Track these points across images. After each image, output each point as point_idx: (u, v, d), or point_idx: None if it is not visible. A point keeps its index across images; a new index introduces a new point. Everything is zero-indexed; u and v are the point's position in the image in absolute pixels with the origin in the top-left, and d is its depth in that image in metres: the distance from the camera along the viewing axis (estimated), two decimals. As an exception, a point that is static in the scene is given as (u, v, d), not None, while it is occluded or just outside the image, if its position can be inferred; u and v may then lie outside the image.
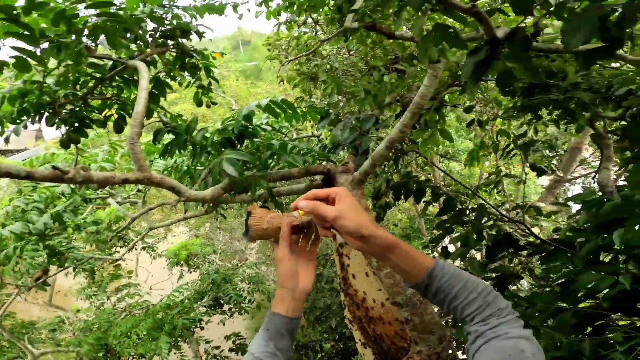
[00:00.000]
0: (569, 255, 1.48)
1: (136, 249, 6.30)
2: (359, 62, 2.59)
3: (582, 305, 1.39)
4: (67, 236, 4.04)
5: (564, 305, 1.37)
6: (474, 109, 1.88)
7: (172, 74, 1.68)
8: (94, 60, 1.45)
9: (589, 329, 1.37)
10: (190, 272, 7.42)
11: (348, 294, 1.91)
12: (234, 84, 14.67)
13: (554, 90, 1.44)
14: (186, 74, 1.74)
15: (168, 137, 1.54)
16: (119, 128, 1.64)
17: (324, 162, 2.00)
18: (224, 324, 4.77)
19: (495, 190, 2.46)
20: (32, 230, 2.44)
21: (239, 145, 1.60)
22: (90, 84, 1.52)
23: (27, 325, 6.06)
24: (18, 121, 1.54)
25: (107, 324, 4.22)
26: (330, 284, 5.80)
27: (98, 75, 1.50)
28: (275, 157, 1.62)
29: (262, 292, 5.18)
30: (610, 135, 1.70)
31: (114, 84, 1.58)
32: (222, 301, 4.54)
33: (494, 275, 1.98)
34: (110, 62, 1.47)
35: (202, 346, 4.76)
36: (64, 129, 1.58)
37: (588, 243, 1.36)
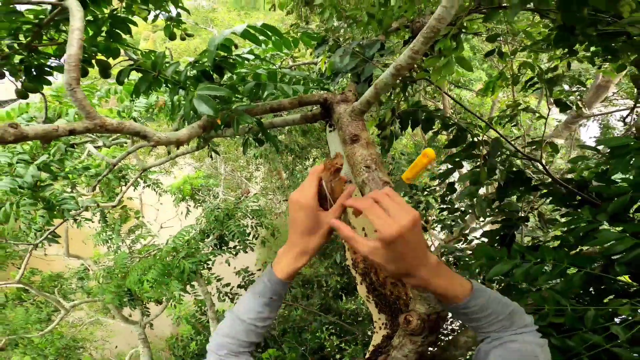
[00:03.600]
0: (593, 210, 1.34)
1: (137, 188, 6.23)
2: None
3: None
4: (66, 185, 4.00)
5: (575, 264, 1.27)
6: (498, 39, 1.64)
7: (132, 8, 1.44)
8: (31, 6, 1.25)
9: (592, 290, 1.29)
10: (196, 208, 7.51)
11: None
12: (226, 17, 13.46)
13: (600, 27, 1.19)
14: (150, 6, 1.50)
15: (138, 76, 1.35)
16: (82, 72, 1.44)
17: (321, 91, 1.79)
18: (228, 264, 4.90)
19: (510, 124, 2.27)
20: (22, 184, 2.34)
21: (220, 78, 1.41)
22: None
23: (55, 277, 6.29)
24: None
25: (124, 269, 4.32)
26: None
27: (36, 21, 1.28)
28: (260, 87, 1.44)
29: (266, 227, 5.20)
30: None
31: (64, 28, 1.36)
32: (226, 238, 4.60)
33: (499, 219, 1.89)
34: (49, 6, 1.25)
35: (214, 284, 4.95)
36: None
37: (618, 197, 1.20)
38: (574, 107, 1.76)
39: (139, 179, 4.67)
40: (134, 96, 1.34)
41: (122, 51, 1.44)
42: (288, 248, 0.77)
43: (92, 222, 4.94)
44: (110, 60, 1.43)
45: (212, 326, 4.71)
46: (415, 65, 1.83)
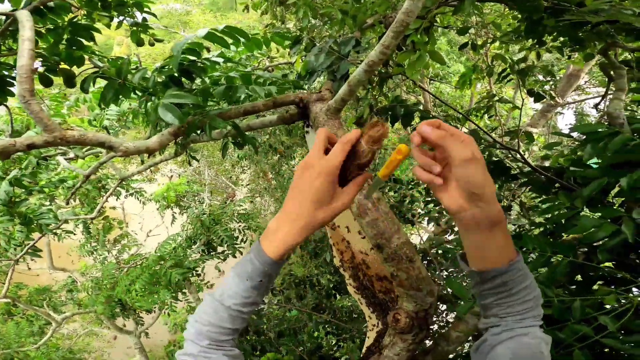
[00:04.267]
0: (571, 196, 1.34)
1: (119, 197, 6.10)
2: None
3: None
4: (43, 198, 3.88)
5: (557, 251, 1.27)
6: (468, 32, 1.65)
7: (92, 15, 1.39)
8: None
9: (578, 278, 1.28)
10: (182, 214, 7.38)
11: (332, 238, 1.85)
12: (200, 19, 13.15)
13: (566, 15, 1.21)
14: (113, 12, 1.46)
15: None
16: (46, 82, 1.39)
17: (296, 91, 1.78)
18: (219, 270, 4.85)
19: (487, 115, 2.30)
20: (-4, 201, 2.26)
21: (190, 83, 1.38)
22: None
23: (42, 290, 6.16)
24: None
25: (112, 279, 4.22)
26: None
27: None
28: (232, 90, 1.40)
29: (253, 229, 5.10)
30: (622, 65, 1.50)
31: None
32: (214, 244, 4.51)
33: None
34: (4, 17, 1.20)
35: (205, 290, 4.90)
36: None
37: (593, 182, 1.19)
38: (547, 96, 1.79)
39: (120, 189, 4.55)
40: (102, 105, 1.30)
41: (87, 59, 1.39)
42: (287, 220, 0.64)
43: (75, 234, 4.82)
44: (76, 69, 1.39)
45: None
46: (391, 61, 1.83)
